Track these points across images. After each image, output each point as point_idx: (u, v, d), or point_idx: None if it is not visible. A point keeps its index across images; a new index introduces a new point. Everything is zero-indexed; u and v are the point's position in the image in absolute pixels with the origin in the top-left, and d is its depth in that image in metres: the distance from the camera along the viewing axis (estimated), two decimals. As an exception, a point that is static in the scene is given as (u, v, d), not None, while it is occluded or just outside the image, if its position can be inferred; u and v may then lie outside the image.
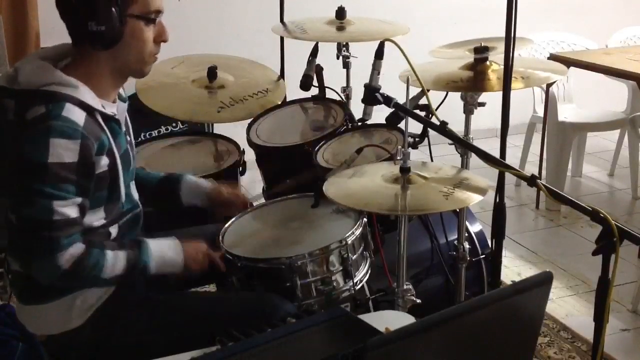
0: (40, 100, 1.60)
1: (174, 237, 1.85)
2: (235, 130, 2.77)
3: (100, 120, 1.68)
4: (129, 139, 1.86)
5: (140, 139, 3.11)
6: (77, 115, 1.61)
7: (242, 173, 2.60)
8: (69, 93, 1.62)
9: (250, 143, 2.59)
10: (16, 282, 1.79)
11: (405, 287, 2.11)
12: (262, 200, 2.41)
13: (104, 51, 1.68)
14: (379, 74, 2.25)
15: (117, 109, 1.77)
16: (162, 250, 1.79)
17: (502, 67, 2.27)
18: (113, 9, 1.63)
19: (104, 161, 1.68)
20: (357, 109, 2.46)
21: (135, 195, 1.89)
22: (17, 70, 1.67)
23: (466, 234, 2.59)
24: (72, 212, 1.62)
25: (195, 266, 1.85)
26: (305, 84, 2.74)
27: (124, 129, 1.81)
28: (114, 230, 1.78)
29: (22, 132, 1.60)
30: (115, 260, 1.70)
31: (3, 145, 1.70)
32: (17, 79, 1.65)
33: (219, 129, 2.99)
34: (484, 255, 2.61)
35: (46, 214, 1.59)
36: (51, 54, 1.73)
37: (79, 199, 1.63)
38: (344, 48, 2.99)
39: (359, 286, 2.00)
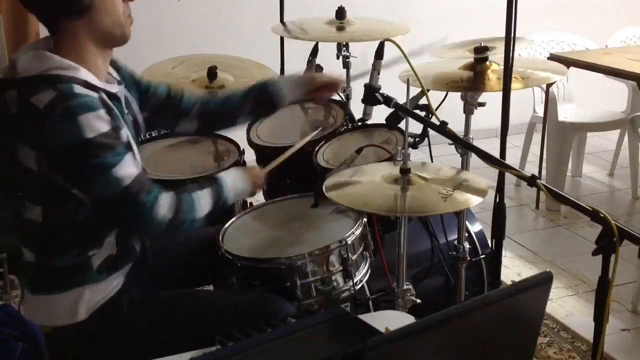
0: (45, 85, 1.59)
1: (240, 167, 2.03)
2: (235, 130, 2.76)
3: (106, 98, 1.69)
4: (131, 118, 1.86)
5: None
6: (88, 92, 1.62)
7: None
8: (72, 74, 1.62)
9: (250, 143, 2.59)
10: (28, 272, 1.79)
11: (405, 287, 2.11)
12: (262, 200, 2.41)
13: (80, 22, 1.67)
14: (379, 74, 2.25)
15: (118, 89, 1.78)
16: (236, 183, 1.90)
17: (502, 67, 2.27)
18: None
19: (125, 133, 1.70)
20: (357, 109, 2.46)
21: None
22: (14, 62, 1.66)
23: (466, 234, 2.59)
24: (133, 169, 1.65)
25: (258, 189, 2.03)
26: (305, 84, 2.73)
27: (126, 110, 1.81)
28: None
29: (43, 121, 1.58)
30: (202, 200, 1.78)
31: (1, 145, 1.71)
32: (15, 69, 1.64)
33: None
34: (484, 255, 2.61)
35: (114, 186, 1.61)
36: (41, 44, 1.73)
37: (131, 157, 1.66)
38: (344, 48, 2.99)
39: (359, 286, 2.00)
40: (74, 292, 1.74)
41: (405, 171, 1.98)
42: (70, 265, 1.73)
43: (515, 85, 2.35)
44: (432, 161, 2.42)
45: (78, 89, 1.61)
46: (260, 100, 2.12)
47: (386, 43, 2.19)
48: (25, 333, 1.90)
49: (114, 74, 1.86)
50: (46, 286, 1.76)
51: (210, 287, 2.30)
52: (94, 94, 1.64)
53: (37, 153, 1.63)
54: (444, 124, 2.06)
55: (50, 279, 1.75)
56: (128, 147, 1.68)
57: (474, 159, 2.37)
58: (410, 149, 2.04)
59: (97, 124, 1.59)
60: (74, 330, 1.76)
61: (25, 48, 1.72)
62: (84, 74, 1.65)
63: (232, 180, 1.89)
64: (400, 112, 2.17)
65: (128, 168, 1.64)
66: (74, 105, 1.58)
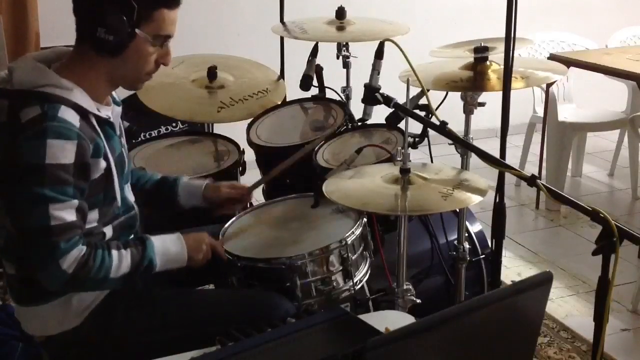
0: (34, 101, 1.59)
1: (177, 233, 1.84)
2: (235, 130, 2.77)
3: (94, 123, 1.68)
4: (123, 142, 1.85)
5: (140, 139, 3.10)
6: (72, 117, 1.60)
7: (242, 173, 2.60)
8: (64, 95, 1.61)
9: (250, 143, 2.59)
10: (13, 285, 1.78)
11: (405, 287, 2.11)
12: (262, 200, 2.41)
13: (104, 58, 1.67)
14: (379, 74, 2.25)
15: (112, 113, 1.77)
16: (165, 245, 1.78)
17: (502, 67, 2.27)
18: (125, 21, 1.62)
19: (101, 164, 1.67)
20: (357, 109, 2.46)
21: (131, 197, 1.88)
22: (11, 71, 1.66)
23: (466, 234, 2.59)
24: (69, 215, 1.60)
25: (198, 257, 1.84)
26: (305, 84, 2.73)
27: (118, 132, 1.80)
28: (108, 230, 1.77)
29: (17, 134, 1.58)
30: (120, 259, 1.69)
31: None
32: (11, 79, 1.64)
33: (219, 129, 2.99)
34: (484, 255, 2.61)
35: (43, 220, 1.57)
36: (45, 57, 1.72)
37: (75, 202, 1.61)
38: (344, 48, 2.99)
39: (359, 286, 2.00)
40: (60, 300, 1.73)
41: (405, 171, 1.98)
42: None
43: (515, 85, 2.35)
44: (432, 161, 2.42)
45: (63, 111, 1.59)
46: (161, 193, 2.07)
47: (386, 43, 2.19)
48: (25, 333, 1.90)
49: (116, 96, 1.85)
50: (32, 298, 1.75)
51: (212, 287, 2.30)
52: (75, 124, 1.60)
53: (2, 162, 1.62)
54: (444, 124, 2.06)
55: (34, 291, 1.73)
56: (80, 190, 1.62)
57: (474, 159, 2.37)
58: (410, 149, 2.04)
59: (61, 153, 1.57)
60: (68, 336, 1.76)
61: (27, 58, 1.70)
62: (78, 95, 1.64)
63: (161, 243, 1.77)
64: (400, 112, 2.17)
65: (64, 212, 1.59)
66: (50, 127, 1.56)
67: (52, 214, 1.57)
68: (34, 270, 1.64)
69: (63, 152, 1.57)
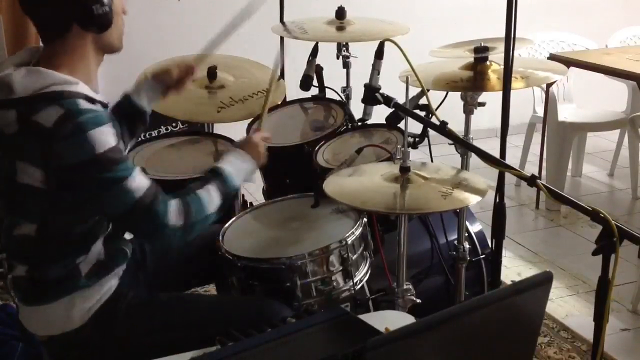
0: (48, 103, 1.57)
1: (235, 148, 1.97)
2: (235, 130, 2.76)
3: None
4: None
5: (140, 138, 3.10)
6: (91, 105, 1.62)
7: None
8: (72, 89, 1.61)
9: (250, 143, 2.59)
10: (20, 285, 1.79)
11: (405, 287, 2.11)
12: (262, 200, 2.41)
13: (91, 35, 1.68)
14: (379, 74, 2.25)
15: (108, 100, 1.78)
16: (237, 167, 1.89)
17: (502, 67, 2.27)
18: None
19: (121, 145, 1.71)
20: (357, 109, 2.46)
21: None
22: (9, 81, 1.61)
23: (466, 234, 2.59)
24: (144, 182, 1.66)
25: (261, 160, 1.99)
26: (305, 84, 2.73)
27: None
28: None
29: (50, 140, 1.56)
30: (209, 196, 1.78)
31: None
32: (11, 89, 1.60)
33: (219, 129, 2.99)
34: (484, 255, 2.61)
35: (129, 197, 1.62)
36: (22, 60, 1.69)
37: (138, 168, 1.67)
38: (344, 48, 2.98)
39: (359, 286, 2.00)
40: (65, 300, 1.73)
41: (404, 169, 1.98)
42: (59, 275, 1.72)
43: (515, 85, 2.35)
44: (432, 161, 2.42)
45: (83, 104, 1.60)
46: (126, 119, 2.05)
47: (386, 43, 2.19)
48: (26, 333, 1.90)
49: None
50: (38, 297, 1.76)
51: (212, 287, 2.30)
52: (99, 108, 1.64)
53: (43, 171, 1.60)
54: (444, 124, 2.06)
55: (41, 290, 1.74)
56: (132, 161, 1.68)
57: (474, 159, 2.37)
58: (410, 148, 2.04)
59: (105, 138, 1.59)
60: (70, 336, 1.76)
61: (9, 67, 1.66)
62: (83, 87, 1.64)
63: (232, 165, 1.88)
64: (400, 112, 2.17)
65: (139, 180, 1.64)
66: (83, 121, 1.57)
67: (131, 188, 1.62)
68: (152, 240, 1.78)
69: (106, 137, 1.59)
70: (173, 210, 1.69)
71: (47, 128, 1.56)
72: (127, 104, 2.05)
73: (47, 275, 1.72)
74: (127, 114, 2.03)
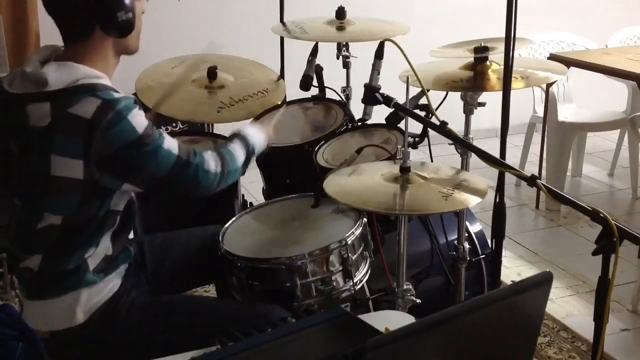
0: (83, 95, 1.62)
1: (249, 124, 2.15)
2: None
3: None
4: None
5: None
6: (120, 94, 1.68)
7: (242, 173, 2.60)
8: (102, 82, 1.67)
9: (250, 143, 2.58)
10: (26, 279, 1.79)
11: (405, 287, 2.11)
12: (262, 201, 2.41)
13: (115, 39, 1.73)
14: (379, 74, 2.25)
15: None
16: (253, 131, 2.04)
17: (502, 67, 2.27)
18: None
19: None
20: (357, 109, 2.46)
21: None
22: (44, 76, 1.65)
23: (466, 234, 2.59)
24: (173, 141, 1.74)
25: (269, 138, 2.12)
26: (305, 84, 2.73)
27: None
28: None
29: (93, 132, 1.61)
30: (238, 151, 1.93)
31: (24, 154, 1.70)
32: (46, 82, 1.64)
33: (219, 129, 2.99)
34: (484, 255, 2.61)
35: (169, 158, 1.71)
36: (46, 55, 1.73)
37: (163, 131, 1.75)
38: (344, 48, 2.98)
39: (359, 286, 2.00)
40: (71, 295, 1.74)
41: (405, 169, 1.98)
42: (70, 268, 1.73)
43: (515, 85, 2.35)
44: (432, 161, 2.42)
45: (115, 94, 1.66)
46: None
47: (386, 43, 2.19)
48: (25, 333, 1.89)
49: None
50: (44, 291, 1.77)
51: (212, 287, 2.30)
52: (129, 97, 1.69)
53: (85, 162, 1.63)
54: (444, 124, 2.06)
55: (48, 284, 1.75)
56: None
57: (474, 159, 2.37)
58: (410, 149, 2.04)
59: (141, 119, 1.67)
60: (72, 333, 1.76)
61: (35, 61, 1.70)
62: (108, 81, 1.70)
63: (250, 130, 2.03)
64: (400, 112, 2.17)
65: (170, 141, 1.73)
66: (121, 108, 1.63)
67: (169, 149, 1.71)
68: (197, 192, 1.81)
69: (141, 118, 1.68)
70: (210, 159, 1.80)
71: (87, 120, 1.61)
72: None
73: (59, 268, 1.73)
74: None
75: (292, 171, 2.48)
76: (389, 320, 1.57)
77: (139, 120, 1.66)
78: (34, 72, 1.67)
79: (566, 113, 4.16)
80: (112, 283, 1.79)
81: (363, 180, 2.04)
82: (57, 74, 1.65)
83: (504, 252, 2.48)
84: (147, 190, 1.79)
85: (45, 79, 1.64)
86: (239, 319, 1.82)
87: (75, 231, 1.73)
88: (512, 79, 2.28)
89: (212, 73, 2.73)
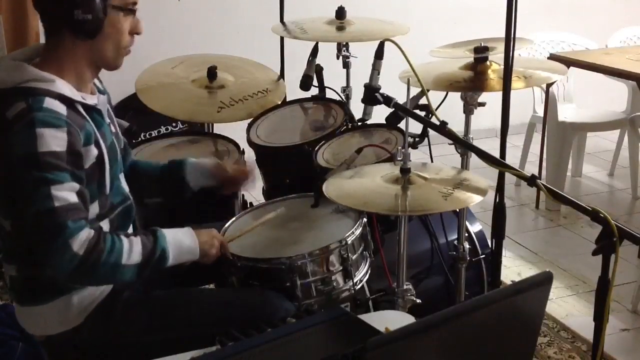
0: (19, 97, 1.59)
1: (190, 229, 1.81)
2: (235, 130, 2.77)
3: (82, 111, 1.68)
4: (113, 130, 1.86)
5: (140, 139, 3.10)
6: (58, 107, 1.61)
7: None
8: (47, 87, 1.62)
9: (250, 143, 2.59)
10: (14, 286, 1.78)
11: (405, 287, 2.11)
12: (262, 200, 2.41)
13: (83, 42, 1.69)
14: (379, 74, 2.25)
15: (98, 100, 1.77)
16: (177, 237, 1.75)
17: (502, 67, 2.27)
18: None
19: (93, 152, 1.67)
20: (357, 109, 2.46)
21: (126, 187, 1.88)
22: None
23: (466, 234, 2.59)
24: (71, 197, 1.58)
25: (212, 252, 1.82)
26: (305, 84, 2.73)
27: (107, 120, 1.81)
28: (105, 225, 1.75)
29: (6, 131, 1.58)
30: (130, 245, 1.65)
31: None
32: None
33: (219, 129, 2.99)
34: (484, 255, 2.61)
35: (46, 202, 1.54)
36: (21, 55, 1.73)
37: (76, 185, 1.59)
38: (344, 48, 2.98)
39: (359, 286, 2.00)
40: (62, 300, 1.73)
41: (405, 171, 1.98)
42: (51, 275, 1.68)
43: (515, 85, 2.35)
44: (432, 161, 2.42)
45: (48, 102, 1.60)
46: (169, 178, 2.06)
47: (386, 43, 2.19)
48: (25, 333, 1.90)
49: (98, 83, 1.86)
50: (33, 298, 1.75)
51: (212, 287, 2.30)
52: (63, 113, 1.61)
53: (1, 164, 1.61)
54: (444, 124, 2.06)
55: (36, 291, 1.74)
56: (77, 177, 1.61)
57: (474, 159, 2.37)
58: (410, 149, 2.04)
59: (52, 141, 1.57)
60: (68, 336, 1.76)
61: (3, 59, 1.72)
62: (60, 86, 1.64)
63: (173, 235, 1.75)
64: (400, 112, 2.17)
65: (66, 193, 1.57)
66: (37, 118, 1.57)
67: (54, 195, 1.55)
68: (44, 256, 1.58)
69: (54, 140, 1.57)
70: (81, 237, 1.57)
71: (7, 120, 1.59)
72: (176, 170, 2.06)
73: (39, 275, 1.70)
74: (170, 177, 2.05)
75: (292, 171, 2.48)
76: (389, 320, 1.57)
77: (47, 140, 1.56)
78: None
79: (566, 113, 4.16)
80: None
81: (364, 182, 2.04)
82: (4, 74, 1.65)
83: (504, 252, 2.48)
84: (6, 222, 1.67)
85: None
86: (240, 310, 1.82)
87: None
88: (512, 79, 2.28)
89: (212, 73, 2.74)
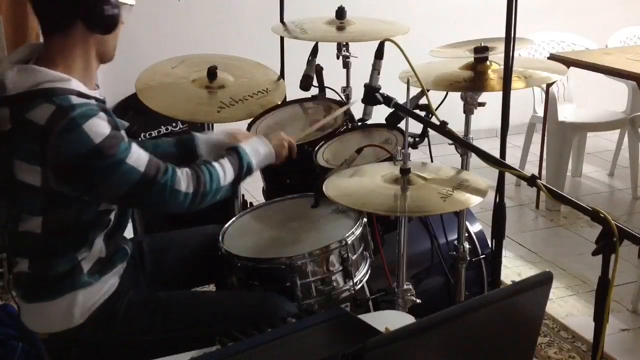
0: (40, 100, 1.59)
1: (258, 135, 2.04)
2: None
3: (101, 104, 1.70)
4: None
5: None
6: (84, 100, 1.63)
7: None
8: (65, 86, 1.62)
9: (250, 143, 2.59)
10: (21, 281, 1.79)
11: (405, 287, 2.11)
12: (262, 200, 2.41)
13: (93, 37, 1.69)
14: (379, 74, 2.25)
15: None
16: (255, 147, 1.94)
17: (502, 67, 2.27)
18: None
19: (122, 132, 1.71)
20: (357, 109, 2.46)
21: None
22: (2, 80, 1.63)
23: (466, 234, 2.59)
24: (143, 156, 1.68)
25: (283, 153, 2.05)
26: (305, 84, 2.73)
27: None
28: (111, 216, 1.79)
29: (46, 138, 1.57)
30: (223, 168, 1.82)
31: None
32: (4, 86, 1.62)
33: (219, 129, 2.99)
34: (484, 255, 2.61)
35: (133, 175, 1.64)
36: (22, 56, 1.71)
37: (135, 146, 1.68)
38: (344, 48, 2.98)
39: (359, 286, 2.00)
40: (67, 297, 1.74)
41: (405, 171, 1.98)
42: (62, 271, 1.72)
43: (515, 85, 2.35)
44: (432, 161, 2.42)
45: (74, 99, 1.61)
46: (182, 153, 2.08)
47: (386, 43, 2.19)
48: (25, 333, 1.90)
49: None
50: (40, 294, 1.76)
51: (212, 287, 2.30)
52: (91, 101, 1.64)
53: (41, 168, 1.61)
54: (444, 124, 2.06)
55: (43, 287, 1.75)
56: (130, 140, 1.69)
57: (474, 159, 2.37)
58: (410, 149, 2.04)
59: (100, 128, 1.60)
60: (71, 334, 1.76)
61: (5, 64, 1.69)
62: (75, 84, 1.65)
63: (251, 146, 1.93)
64: (400, 112, 2.17)
65: (138, 156, 1.67)
66: (76, 116, 1.58)
67: (133, 165, 1.64)
68: (165, 209, 1.76)
69: (101, 126, 1.61)
70: (182, 178, 1.72)
71: (40, 126, 1.58)
72: (187, 143, 2.08)
73: (50, 272, 1.72)
74: (182, 151, 2.08)
75: (292, 171, 2.48)
76: (389, 320, 1.57)
77: (96, 129, 1.60)
78: None
79: (566, 113, 4.17)
80: (110, 283, 1.79)
81: (364, 182, 2.04)
82: (16, 78, 1.62)
83: (504, 252, 2.48)
84: (112, 204, 1.75)
85: (4, 83, 1.62)
86: (241, 311, 1.82)
87: (58, 234, 1.71)
88: (512, 79, 2.28)
89: (212, 73, 2.73)
